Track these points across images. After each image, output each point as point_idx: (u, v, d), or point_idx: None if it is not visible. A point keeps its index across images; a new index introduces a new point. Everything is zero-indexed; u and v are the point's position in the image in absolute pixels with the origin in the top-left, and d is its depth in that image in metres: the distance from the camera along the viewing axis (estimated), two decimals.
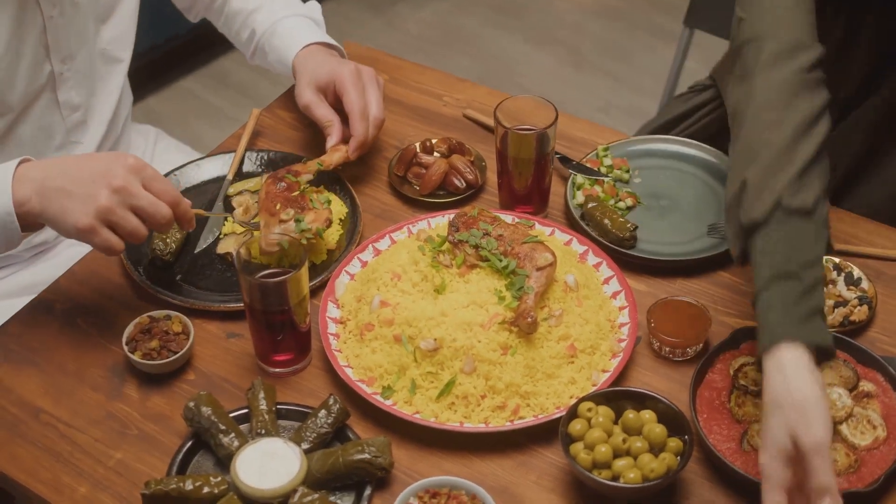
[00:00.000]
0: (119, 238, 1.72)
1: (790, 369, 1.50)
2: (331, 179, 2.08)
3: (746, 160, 1.65)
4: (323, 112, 2.08)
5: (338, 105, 2.09)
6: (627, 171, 2.09)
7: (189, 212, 1.78)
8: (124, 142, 2.32)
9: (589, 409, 1.63)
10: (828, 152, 1.66)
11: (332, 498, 1.60)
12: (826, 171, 1.65)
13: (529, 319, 1.68)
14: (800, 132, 1.64)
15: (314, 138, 2.23)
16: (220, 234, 2.02)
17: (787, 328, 1.52)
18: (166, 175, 2.11)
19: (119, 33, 2.20)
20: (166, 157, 2.44)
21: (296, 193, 1.93)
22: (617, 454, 1.59)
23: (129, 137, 2.35)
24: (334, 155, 2.05)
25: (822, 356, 1.54)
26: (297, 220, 1.87)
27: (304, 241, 1.85)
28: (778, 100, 1.67)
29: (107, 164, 1.71)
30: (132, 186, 1.70)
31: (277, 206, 1.90)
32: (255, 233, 1.96)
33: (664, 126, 2.42)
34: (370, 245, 1.93)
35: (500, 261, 1.76)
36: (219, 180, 2.12)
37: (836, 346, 1.72)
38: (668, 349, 1.79)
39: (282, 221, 1.84)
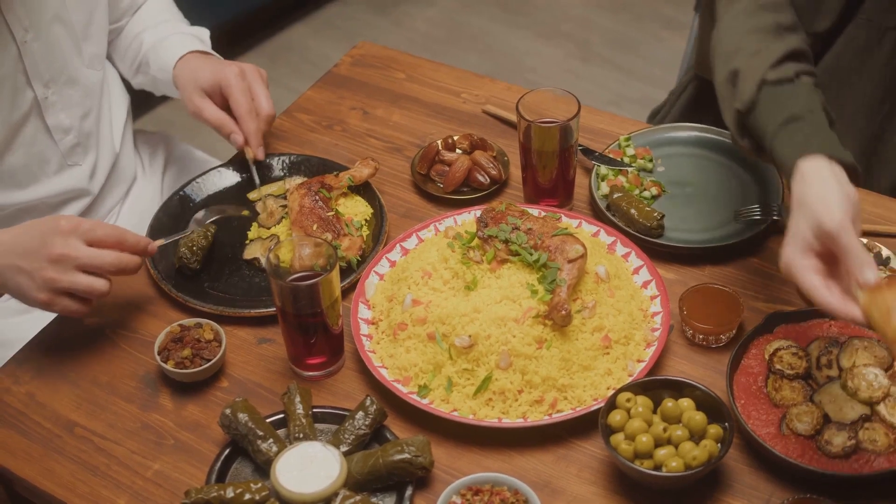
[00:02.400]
0: (80, 301, 1.76)
1: (810, 175, 1.57)
2: None
3: (728, 56, 1.77)
4: (213, 115, 2.07)
5: (226, 105, 2.09)
6: (651, 161, 2.08)
7: (140, 242, 1.79)
8: (125, 156, 2.31)
9: (628, 400, 1.62)
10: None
11: (373, 499, 1.59)
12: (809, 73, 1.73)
13: (563, 312, 1.67)
14: (773, 33, 1.76)
15: (333, 141, 2.23)
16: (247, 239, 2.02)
17: (805, 149, 1.59)
18: (189, 183, 2.11)
19: (98, 50, 2.17)
20: (181, 164, 2.44)
21: (330, 214, 1.94)
22: (658, 443, 1.59)
23: (130, 150, 2.34)
24: (364, 169, 2.05)
25: (847, 172, 1.59)
26: (335, 247, 1.88)
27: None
28: (746, 17, 1.80)
29: (42, 236, 1.73)
30: (70, 250, 1.72)
31: (315, 227, 1.92)
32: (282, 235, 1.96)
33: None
34: (398, 244, 1.93)
35: (531, 254, 1.76)
36: (241, 186, 2.12)
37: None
38: (701, 336, 1.78)
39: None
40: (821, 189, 1.54)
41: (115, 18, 2.26)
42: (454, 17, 4.71)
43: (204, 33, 2.29)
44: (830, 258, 1.53)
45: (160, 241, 1.89)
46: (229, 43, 4.44)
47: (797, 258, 1.52)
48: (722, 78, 1.77)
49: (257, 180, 2.10)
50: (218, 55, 2.23)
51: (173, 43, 2.21)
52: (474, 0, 4.78)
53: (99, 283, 1.75)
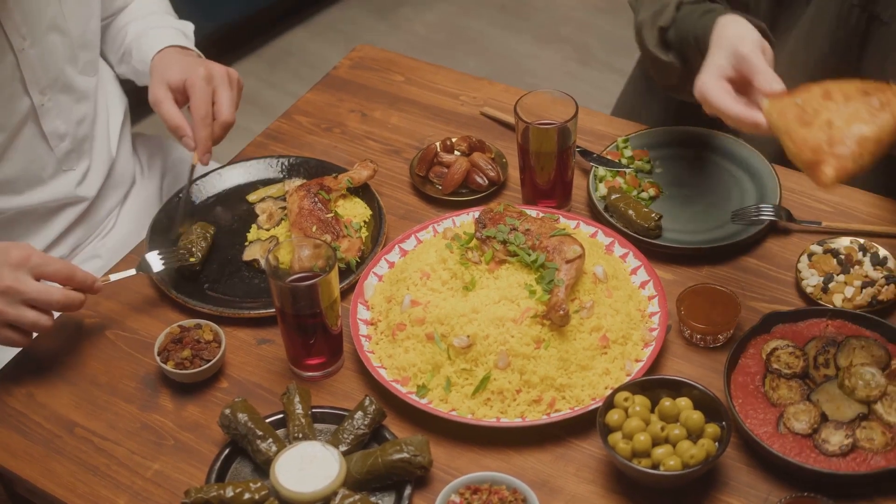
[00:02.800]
0: (21, 334, 1.76)
1: (729, 23, 1.78)
2: None
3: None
4: (169, 113, 2.04)
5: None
6: (648, 162, 2.09)
7: (87, 279, 1.79)
8: (123, 160, 2.32)
9: (625, 399, 1.63)
10: None
11: (372, 498, 1.60)
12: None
13: (561, 312, 1.68)
14: None
15: (332, 143, 2.24)
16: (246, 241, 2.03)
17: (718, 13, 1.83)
18: (189, 185, 2.12)
19: (93, 57, 2.18)
20: (181, 167, 2.45)
21: (329, 215, 1.95)
22: (655, 442, 1.59)
23: (127, 154, 2.35)
24: (363, 171, 2.06)
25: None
26: (334, 248, 1.88)
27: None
28: None
29: None
30: (19, 284, 1.72)
31: (314, 229, 1.92)
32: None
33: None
34: (396, 246, 1.94)
35: (529, 255, 1.76)
36: (240, 188, 2.13)
37: (867, 327, 1.74)
38: (699, 336, 1.79)
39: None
40: (737, 28, 1.76)
41: (104, 16, 2.27)
42: (453, 20, 4.72)
43: (188, 28, 2.29)
44: (741, 85, 1.73)
45: (105, 278, 1.87)
46: (229, 47, 4.46)
47: (711, 80, 1.72)
48: (645, 15, 2.01)
49: (190, 186, 2.09)
50: (198, 52, 2.22)
51: (155, 36, 2.20)
52: (473, 3, 4.79)
53: (43, 319, 1.75)
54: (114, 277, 1.89)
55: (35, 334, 1.81)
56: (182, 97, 2.06)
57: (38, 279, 1.74)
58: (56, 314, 1.81)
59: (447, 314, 1.73)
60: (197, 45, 2.26)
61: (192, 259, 1.94)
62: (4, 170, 2.05)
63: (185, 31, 2.26)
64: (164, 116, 2.05)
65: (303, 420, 1.68)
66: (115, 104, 2.32)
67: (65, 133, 2.12)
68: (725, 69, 1.73)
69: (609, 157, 2.09)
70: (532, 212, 1.92)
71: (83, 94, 2.16)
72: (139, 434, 1.75)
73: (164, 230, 2.03)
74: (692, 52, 1.91)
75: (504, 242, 1.79)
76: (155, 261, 1.92)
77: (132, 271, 1.91)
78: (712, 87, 1.72)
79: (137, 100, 2.43)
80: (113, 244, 2.26)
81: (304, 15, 4.77)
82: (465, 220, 1.95)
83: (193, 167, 2.08)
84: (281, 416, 1.71)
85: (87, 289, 1.80)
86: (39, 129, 2.08)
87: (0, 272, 1.71)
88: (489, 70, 4.38)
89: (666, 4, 1.97)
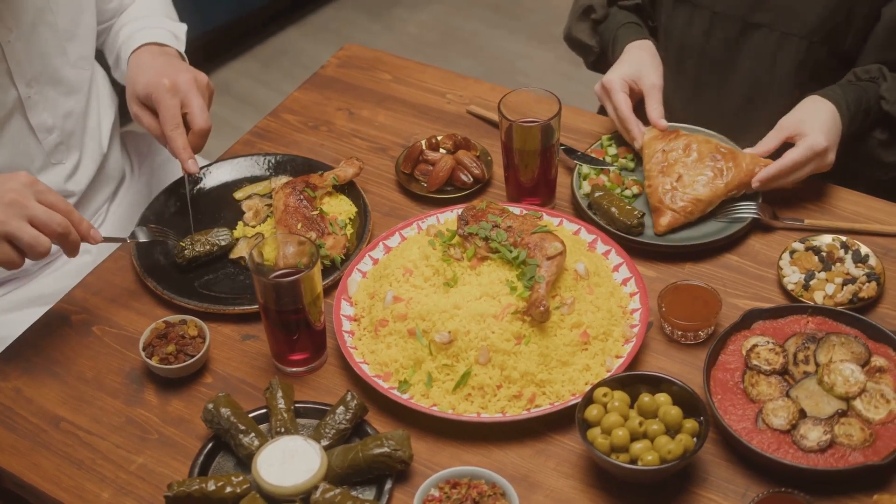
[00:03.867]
0: (20, 252, 1.75)
1: (642, 46, 2.18)
2: None
3: None
4: (148, 125, 2.06)
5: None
6: (632, 160, 2.10)
7: (83, 223, 1.80)
8: (113, 156, 2.33)
9: (604, 395, 1.64)
10: None
11: (353, 492, 1.61)
12: None
13: (542, 308, 1.69)
14: None
15: (319, 141, 2.25)
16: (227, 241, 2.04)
17: (638, 35, 2.22)
18: (177, 182, 2.13)
19: (85, 51, 2.19)
20: (173, 164, 2.46)
21: (315, 213, 1.96)
22: (634, 437, 1.60)
23: (117, 151, 2.36)
24: (349, 169, 2.07)
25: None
26: (318, 246, 1.89)
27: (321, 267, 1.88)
28: None
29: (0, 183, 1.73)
30: (24, 199, 1.73)
31: (300, 226, 1.94)
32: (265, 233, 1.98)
33: None
34: (381, 243, 1.95)
35: (511, 251, 1.78)
36: (227, 186, 2.14)
37: (847, 324, 1.75)
38: (679, 333, 1.80)
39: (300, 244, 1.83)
40: (649, 56, 2.15)
41: (103, 20, 2.28)
42: (447, 20, 4.74)
43: (180, 29, 2.28)
44: (632, 96, 2.10)
45: (105, 237, 1.88)
46: (223, 47, 4.47)
47: (616, 82, 2.08)
48: (577, 7, 2.37)
49: (188, 195, 2.10)
50: (178, 51, 2.20)
51: (137, 38, 2.20)
52: (467, 4, 4.80)
53: (43, 240, 1.75)
54: (108, 239, 1.91)
55: (28, 261, 1.80)
56: (153, 110, 2.06)
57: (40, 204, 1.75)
58: (53, 248, 1.79)
59: (429, 310, 1.74)
60: (191, 44, 2.26)
61: (183, 253, 1.96)
62: None
63: (175, 33, 2.26)
64: (145, 128, 2.07)
65: (285, 415, 1.69)
66: (106, 100, 2.33)
67: (52, 126, 2.13)
68: (629, 81, 2.10)
69: (593, 154, 2.10)
70: (515, 209, 1.94)
71: (72, 88, 2.17)
72: (124, 428, 1.76)
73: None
74: (606, 48, 2.30)
75: (486, 239, 1.80)
76: (145, 233, 1.98)
77: (125, 238, 1.96)
78: (618, 87, 2.09)
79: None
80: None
81: (298, 15, 4.78)
82: (449, 218, 1.97)
83: (187, 175, 2.08)
84: (264, 410, 1.72)
85: (82, 231, 1.80)
86: (27, 122, 2.09)
87: (7, 186, 1.73)
88: (482, 70, 4.40)
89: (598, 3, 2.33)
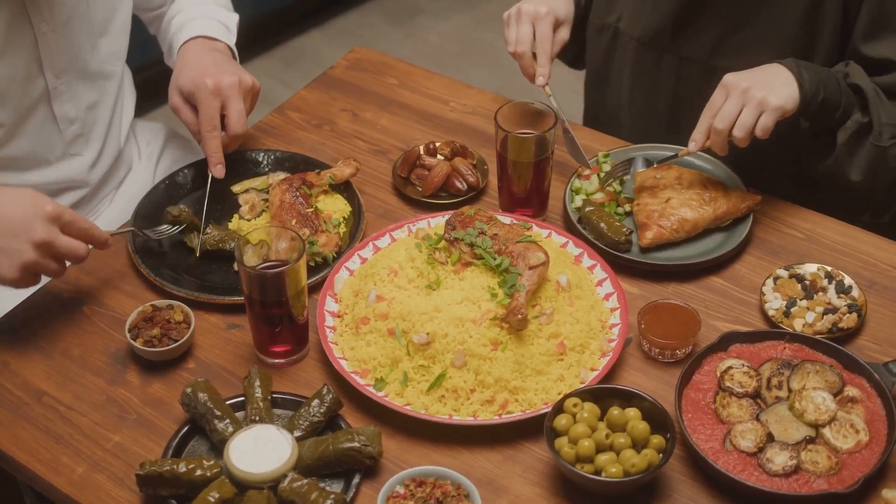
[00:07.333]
0: (36, 277, 1.82)
1: None
2: None
3: None
4: (186, 118, 2.10)
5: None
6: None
7: (101, 237, 1.85)
8: (127, 151, 2.36)
9: (575, 405, 1.66)
10: None
11: (321, 484, 1.64)
12: None
13: (520, 316, 1.72)
14: None
15: (321, 140, 2.28)
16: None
17: None
18: (176, 173, 2.16)
19: (117, 48, 2.23)
20: (176, 154, 2.49)
21: (309, 210, 1.99)
22: (600, 449, 1.62)
23: (131, 146, 2.39)
24: (346, 169, 2.10)
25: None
26: (311, 243, 1.93)
27: (313, 264, 1.93)
28: None
29: (25, 218, 1.76)
30: (53, 237, 1.77)
31: (294, 222, 1.96)
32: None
33: None
34: (371, 242, 1.97)
35: (494, 259, 1.80)
36: (226, 178, 2.16)
37: (824, 353, 1.77)
38: (657, 350, 1.82)
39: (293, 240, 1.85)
40: None
41: (152, 6, 2.32)
42: (468, 32, 4.77)
43: (231, 19, 2.30)
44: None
45: (112, 231, 1.94)
46: (245, 45, 4.50)
47: (529, 13, 2.20)
48: None
49: (206, 195, 2.11)
50: (228, 45, 2.24)
51: (187, 30, 2.23)
52: (488, 17, 4.83)
53: (61, 269, 1.82)
54: (114, 232, 1.97)
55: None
56: (194, 106, 2.09)
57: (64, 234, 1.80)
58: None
59: (410, 311, 1.77)
60: None
61: (205, 246, 2.00)
62: (13, 148, 2.10)
63: (225, 23, 2.27)
64: (183, 122, 2.11)
65: (261, 404, 1.72)
66: (129, 97, 2.37)
67: (75, 117, 2.17)
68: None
69: (588, 171, 2.12)
70: (505, 219, 1.96)
71: (99, 82, 2.21)
72: (104, 407, 1.79)
73: (147, 216, 2.07)
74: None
75: (471, 245, 1.83)
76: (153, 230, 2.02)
77: (130, 228, 2.01)
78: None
79: (141, 94, 2.48)
80: (103, 224, 2.30)
81: (322, 18, 4.82)
82: (439, 222, 1.99)
83: (210, 178, 2.10)
84: (241, 398, 1.75)
85: (99, 245, 1.87)
86: (51, 112, 2.13)
87: (35, 225, 1.76)
88: (499, 83, 4.41)
89: None
